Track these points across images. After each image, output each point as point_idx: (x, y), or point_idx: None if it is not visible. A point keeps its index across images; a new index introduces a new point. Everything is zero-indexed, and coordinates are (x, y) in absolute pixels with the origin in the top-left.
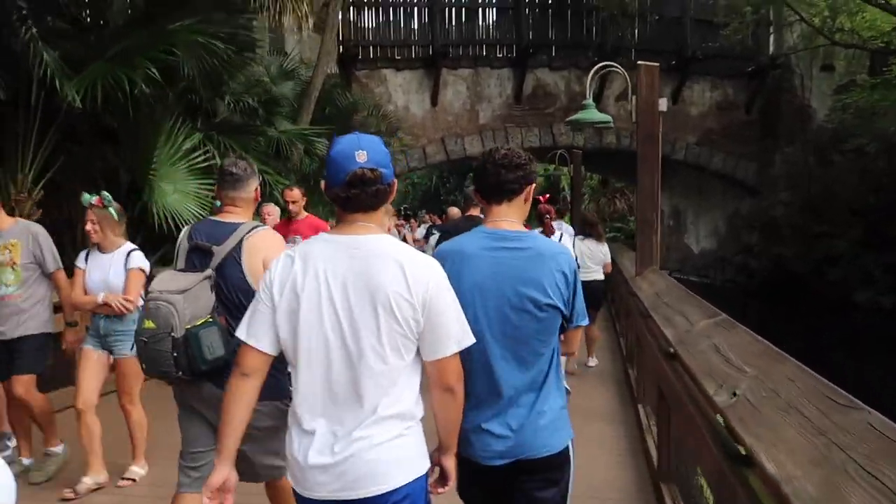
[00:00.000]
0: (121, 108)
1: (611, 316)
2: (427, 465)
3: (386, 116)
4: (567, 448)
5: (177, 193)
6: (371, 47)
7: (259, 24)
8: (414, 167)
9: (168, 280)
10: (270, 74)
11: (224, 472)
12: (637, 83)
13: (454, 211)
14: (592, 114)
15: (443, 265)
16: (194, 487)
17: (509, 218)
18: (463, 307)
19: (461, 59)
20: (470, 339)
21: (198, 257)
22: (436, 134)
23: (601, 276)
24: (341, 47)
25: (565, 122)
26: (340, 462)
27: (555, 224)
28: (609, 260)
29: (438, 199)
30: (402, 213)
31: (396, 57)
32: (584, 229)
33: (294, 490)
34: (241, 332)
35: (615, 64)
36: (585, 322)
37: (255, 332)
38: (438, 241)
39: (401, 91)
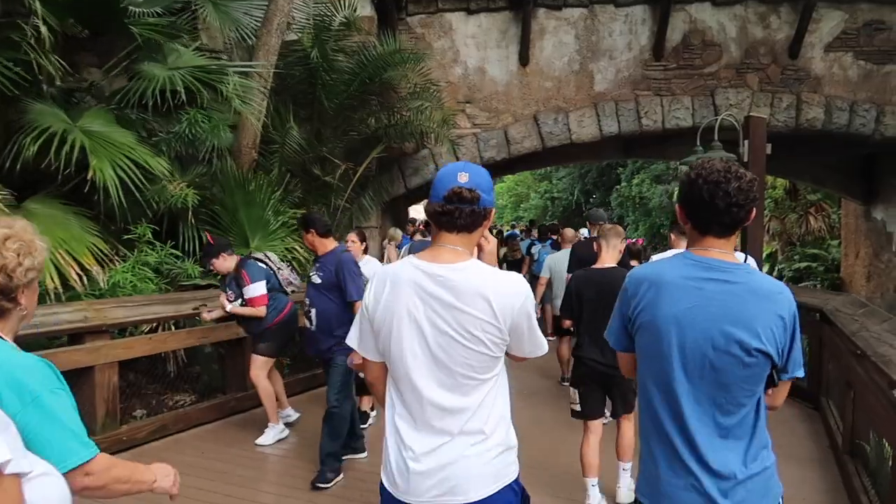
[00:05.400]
0: None
1: None
2: (518, 471)
3: (424, 70)
4: None
5: None
6: None
7: None
8: (490, 158)
9: None
10: None
11: None
12: None
13: (570, 233)
14: None
15: (635, 291)
16: None
17: (723, 248)
18: (657, 340)
19: None
20: (542, 351)
21: None
22: (525, 108)
23: None
24: None
25: None
26: (432, 472)
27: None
28: None
29: (580, 215)
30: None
31: None
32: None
33: (389, 494)
34: (359, 348)
35: None
36: (801, 373)
37: (368, 348)
38: (571, 264)
39: (473, 45)
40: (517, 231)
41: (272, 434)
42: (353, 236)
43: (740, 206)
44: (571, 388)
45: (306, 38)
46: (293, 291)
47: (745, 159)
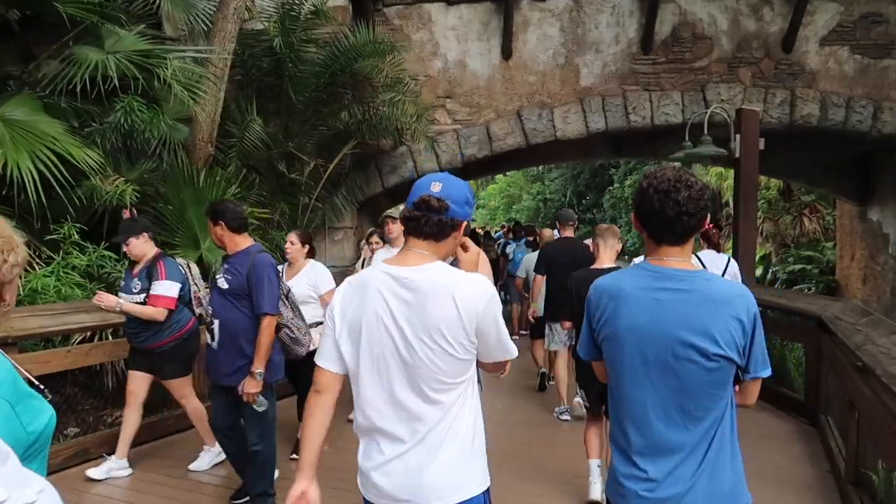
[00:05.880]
0: None
1: None
2: (485, 485)
3: (399, 61)
4: None
5: None
6: None
7: None
8: (471, 155)
9: None
10: None
11: (303, 484)
12: None
13: (548, 233)
14: None
15: (598, 303)
16: None
17: (678, 256)
18: (621, 352)
19: None
20: (511, 356)
21: None
22: (508, 104)
23: None
24: None
25: None
26: (393, 478)
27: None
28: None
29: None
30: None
31: None
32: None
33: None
34: (316, 356)
35: None
36: (767, 373)
37: (323, 354)
38: (538, 264)
39: (454, 37)
40: (501, 233)
41: (207, 459)
42: (292, 237)
43: (691, 215)
44: (580, 390)
45: (272, 28)
46: (199, 316)
47: (737, 154)
